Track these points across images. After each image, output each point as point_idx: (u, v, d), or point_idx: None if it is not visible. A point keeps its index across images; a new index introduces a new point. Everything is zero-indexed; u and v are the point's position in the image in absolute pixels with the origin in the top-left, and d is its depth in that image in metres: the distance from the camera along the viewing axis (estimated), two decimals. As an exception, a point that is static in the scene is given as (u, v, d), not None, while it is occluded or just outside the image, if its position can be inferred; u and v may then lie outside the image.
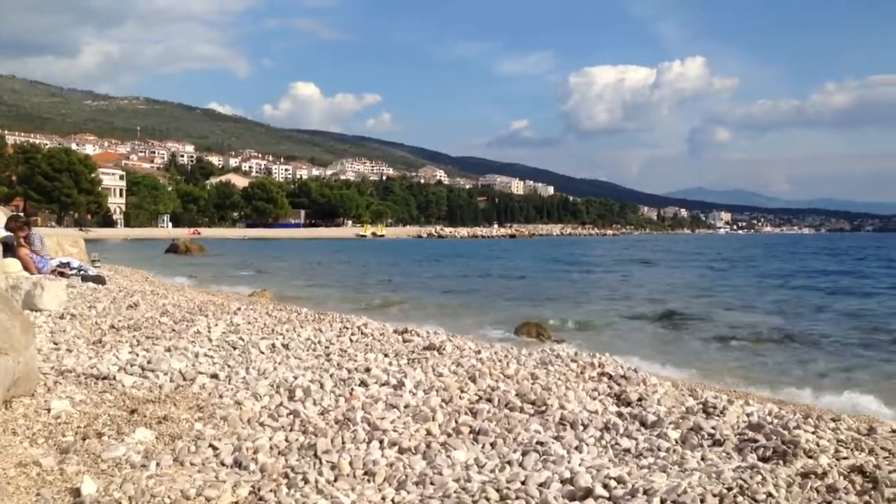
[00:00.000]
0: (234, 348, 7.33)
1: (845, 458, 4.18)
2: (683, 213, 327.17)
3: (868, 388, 9.70)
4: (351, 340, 8.19)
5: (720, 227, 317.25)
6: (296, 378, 5.93)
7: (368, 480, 3.94)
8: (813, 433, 4.74)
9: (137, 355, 6.61)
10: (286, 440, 4.53)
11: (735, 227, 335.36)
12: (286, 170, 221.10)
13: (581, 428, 4.96)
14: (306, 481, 3.80)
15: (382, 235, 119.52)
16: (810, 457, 4.21)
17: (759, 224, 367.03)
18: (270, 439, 4.50)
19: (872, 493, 3.56)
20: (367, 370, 6.28)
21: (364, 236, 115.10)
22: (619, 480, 3.80)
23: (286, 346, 7.54)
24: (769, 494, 3.47)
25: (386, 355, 7.22)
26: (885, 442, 4.61)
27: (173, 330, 8.29)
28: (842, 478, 3.77)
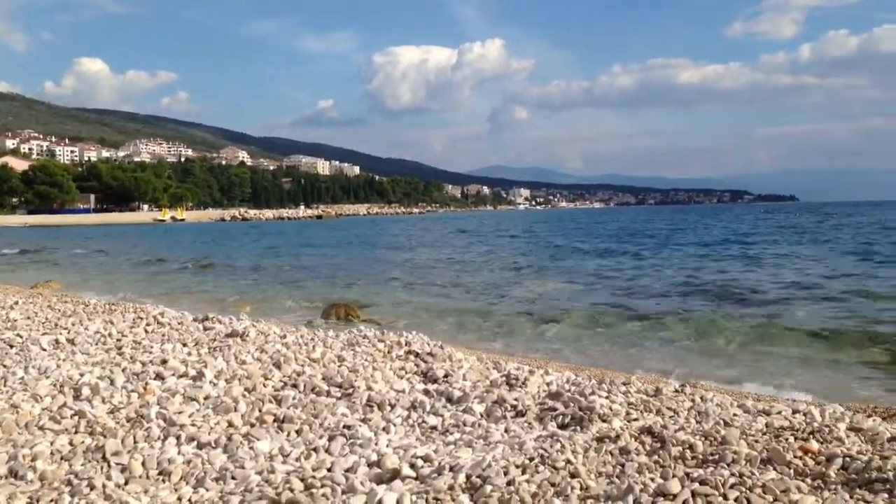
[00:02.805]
0: (11, 346, 6.69)
1: (636, 420, 4.43)
2: (486, 190, 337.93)
3: (651, 347, 10.38)
4: (146, 331, 7.72)
5: (520, 204, 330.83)
6: (82, 375, 5.47)
7: (163, 480, 3.69)
8: (606, 398, 5.00)
9: None
10: (70, 444, 4.15)
11: (534, 202, 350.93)
12: (72, 151, 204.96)
13: (388, 408, 4.93)
14: (92, 487, 3.50)
15: (183, 219, 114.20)
16: (605, 421, 4.42)
17: (556, 199, 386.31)
18: (52, 444, 4.10)
19: (661, 452, 3.78)
20: (164, 362, 5.92)
21: (163, 221, 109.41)
22: (426, 459, 3.80)
23: (72, 342, 6.98)
24: (568, 461, 3.59)
25: (185, 345, 6.87)
26: (669, 402, 4.94)
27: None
28: (633, 440, 3.97)
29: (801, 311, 13.68)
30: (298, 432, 4.48)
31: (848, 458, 3.51)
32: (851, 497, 3.12)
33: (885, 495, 3.11)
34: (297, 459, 3.95)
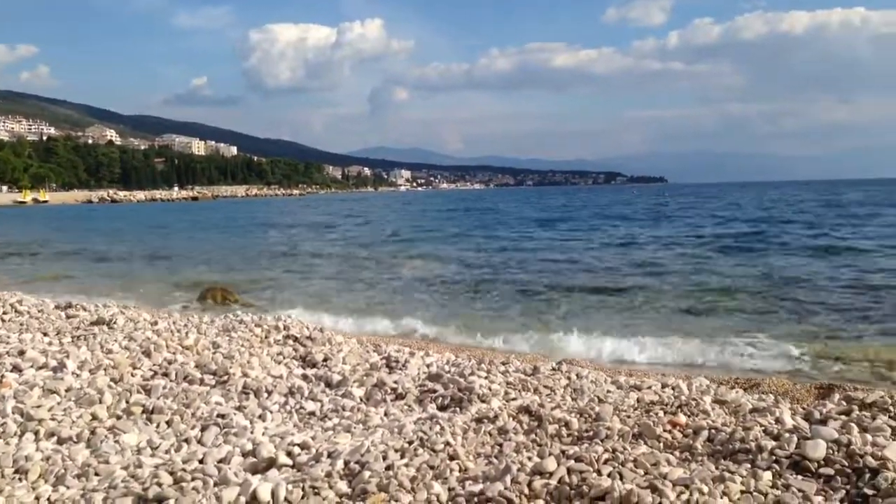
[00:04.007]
0: None
1: (514, 400, 4.48)
2: (367, 171, 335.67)
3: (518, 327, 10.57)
4: (2, 320, 7.24)
5: (401, 185, 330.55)
6: (-74, 370, 5.07)
7: (20, 479, 3.45)
8: (486, 378, 5.03)
9: None
10: (-88, 447, 3.83)
11: (415, 184, 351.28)
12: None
13: (265, 395, 4.81)
14: (-62, 491, 3.24)
15: (46, 201, 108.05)
16: (484, 401, 4.44)
17: (437, 181, 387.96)
18: None
19: (538, 430, 3.83)
20: (22, 353, 5.54)
21: (23, 203, 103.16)
22: (304, 446, 3.71)
23: (-85, 335, 6.46)
24: (447, 443, 3.58)
25: (45, 334, 6.47)
26: (547, 380, 5.02)
27: None
28: (511, 419, 4.01)
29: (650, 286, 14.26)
30: (169, 423, 4.29)
31: (713, 430, 3.66)
32: (717, 468, 3.25)
33: (748, 465, 3.25)
34: (167, 452, 3.78)
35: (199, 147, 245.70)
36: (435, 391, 4.77)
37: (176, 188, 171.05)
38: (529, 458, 3.40)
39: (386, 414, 4.40)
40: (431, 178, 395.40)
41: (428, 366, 5.68)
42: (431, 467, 3.33)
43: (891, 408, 4.03)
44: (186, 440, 3.94)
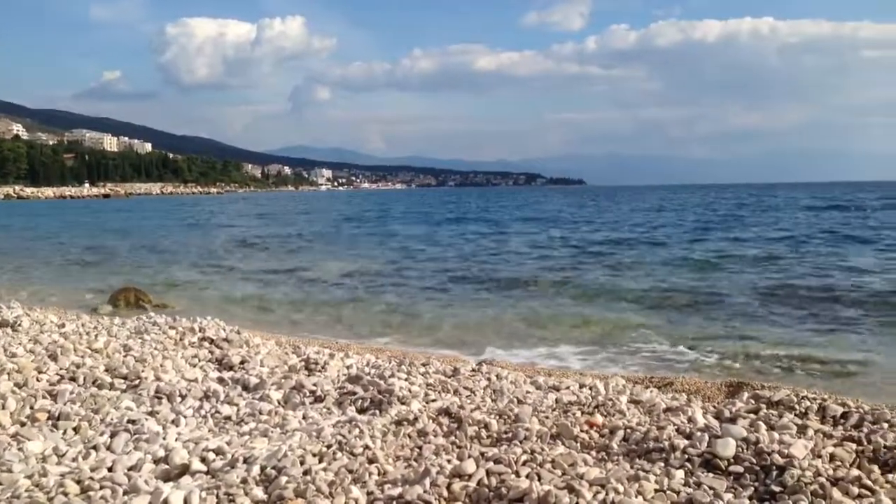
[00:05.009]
0: None
1: (434, 401, 4.47)
2: (287, 170, 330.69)
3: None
4: None
5: (322, 185, 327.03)
6: None
7: (-86, 492, 3.27)
8: (406, 380, 5.02)
9: None
10: None
11: (336, 183, 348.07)
12: None
13: (179, 399, 4.67)
14: None
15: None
16: (404, 403, 4.42)
17: (358, 181, 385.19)
18: None
19: (458, 432, 3.84)
20: (-84, 357, 5.27)
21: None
22: (219, 452, 3.62)
23: None
24: (366, 447, 3.55)
25: (-58, 338, 6.15)
26: (467, 381, 5.04)
27: None
28: (431, 421, 4.00)
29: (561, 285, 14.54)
30: (76, 430, 4.13)
31: (629, 430, 3.73)
32: (632, 467, 3.31)
33: (662, 463, 3.33)
34: (74, 460, 3.63)
35: (111, 143, 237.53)
36: (355, 393, 4.73)
37: (87, 185, 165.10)
38: (449, 461, 3.40)
39: (304, 417, 4.34)
40: (353, 178, 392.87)
41: (348, 368, 5.62)
42: (350, 471, 3.30)
43: (796, 406, 4.18)
44: (95, 447, 3.79)
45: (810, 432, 3.61)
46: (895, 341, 9.38)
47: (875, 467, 3.22)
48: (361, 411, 4.46)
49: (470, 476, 3.20)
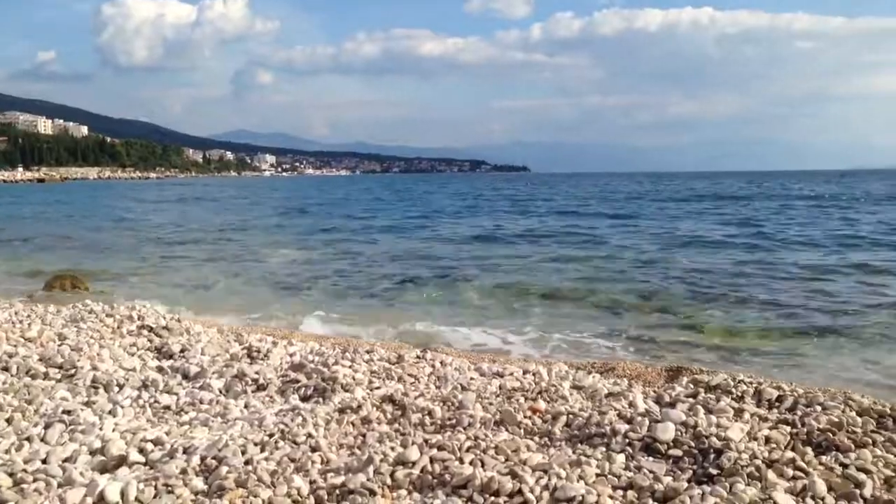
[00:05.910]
0: None
1: (378, 389, 4.45)
2: (230, 155, 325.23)
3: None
4: None
5: (266, 170, 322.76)
6: None
7: None
8: (350, 367, 4.98)
9: None
10: None
11: (280, 169, 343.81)
12: None
13: (116, 389, 4.57)
14: None
15: None
16: (347, 391, 4.40)
17: (302, 166, 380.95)
18: None
19: (402, 419, 3.83)
20: None
21: None
22: (157, 442, 3.55)
23: None
24: (309, 435, 3.52)
25: None
26: (411, 368, 5.03)
27: None
28: (375, 409, 3.99)
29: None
30: (9, 421, 4.00)
31: (571, 416, 3.77)
32: (574, 452, 3.35)
33: (603, 448, 3.37)
34: (7, 452, 3.52)
35: (45, 126, 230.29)
36: (298, 381, 4.68)
37: (20, 169, 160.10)
38: (392, 448, 3.39)
39: (246, 406, 4.28)
40: (297, 164, 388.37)
41: (291, 355, 5.56)
42: (292, 460, 3.26)
43: (733, 390, 4.28)
44: (28, 439, 3.68)
45: (746, 416, 3.70)
46: (827, 323, 9.65)
47: (809, 449, 3.30)
48: (305, 399, 4.42)
49: (414, 463, 3.20)
